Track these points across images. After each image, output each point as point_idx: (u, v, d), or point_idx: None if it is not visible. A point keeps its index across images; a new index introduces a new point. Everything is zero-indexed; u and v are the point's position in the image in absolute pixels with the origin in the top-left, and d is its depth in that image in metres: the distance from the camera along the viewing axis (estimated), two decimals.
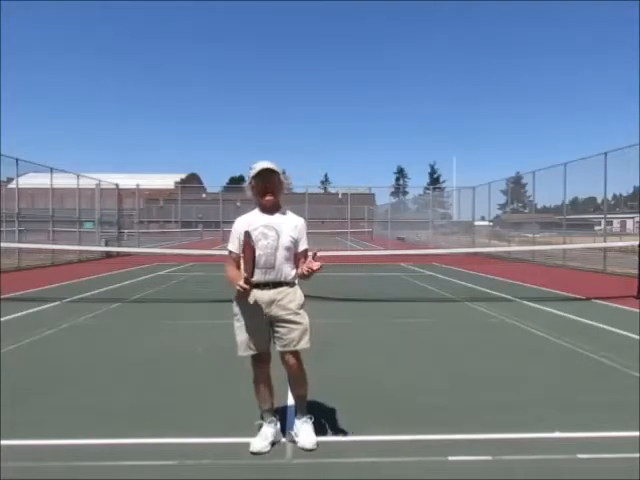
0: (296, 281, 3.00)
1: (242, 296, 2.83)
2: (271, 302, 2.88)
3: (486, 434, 3.09)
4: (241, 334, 2.93)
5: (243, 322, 2.92)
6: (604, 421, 3.29)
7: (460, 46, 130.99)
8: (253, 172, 2.87)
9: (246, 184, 2.97)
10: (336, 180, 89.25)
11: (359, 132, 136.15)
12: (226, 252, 3.05)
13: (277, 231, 2.89)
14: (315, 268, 2.81)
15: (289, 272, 2.92)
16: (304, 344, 2.90)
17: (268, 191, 2.91)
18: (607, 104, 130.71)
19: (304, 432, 2.93)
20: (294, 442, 2.94)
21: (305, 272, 2.83)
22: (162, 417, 3.41)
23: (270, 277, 2.88)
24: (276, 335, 2.92)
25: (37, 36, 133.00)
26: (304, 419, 2.99)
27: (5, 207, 15.46)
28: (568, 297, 9.22)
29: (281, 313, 2.88)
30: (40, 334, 5.91)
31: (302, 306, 2.96)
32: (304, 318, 2.93)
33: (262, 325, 2.90)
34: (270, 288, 2.88)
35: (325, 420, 3.26)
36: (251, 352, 2.93)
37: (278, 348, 2.93)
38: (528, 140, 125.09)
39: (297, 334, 2.88)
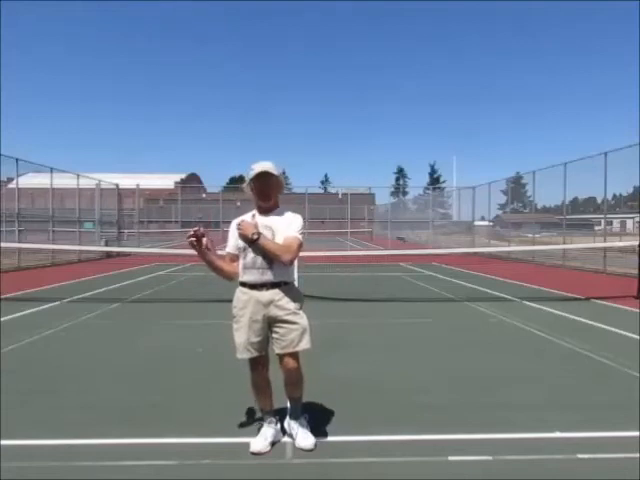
0: (295, 282, 2.99)
1: (194, 244, 2.86)
2: (269, 303, 2.86)
3: (486, 434, 3.09)
4: (240, 336, 2.91)
5: (241, 324, 2.91)
6: (604, 421, 3.29)
7: (460, 46, 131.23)
8: (252, 174, 2.85)
9: (245, 184, 2.95)
10: (336, 180, 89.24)
11: (359, 132, 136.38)
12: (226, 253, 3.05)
13: (273, 231, 2.88)
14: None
15: (287, 272, 2.91)
16: (304, 344, 2.88)
17: (266, 193, 2.89)
18: (607, 104, 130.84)
19: (302, 433, 2.93)
20: (293, 443, 2.93)
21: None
22: (162, 417, 3.40)
23: (268, 277, 2.86)
24: (275, 337, 2.89)
25: (37, 36, 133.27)
26: (301, 420, 3.00)
27: (5, 207, 15.46)
28: (568, 297, 9.22)
29: (279, 313, 2.86)
30: (40, 334, 5.90)
31: (301, 307, 2.94)
32: (303, 318, 2.91)
33: (261, 327, 2.89)
34: (268, 289, 2.87)
35: (325, 420, 3.26)
36: (250, 354, 2.91)
37: (277, 351, 2.88)
38: (528, 140, 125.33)
39: (296, 334, 2.85)
